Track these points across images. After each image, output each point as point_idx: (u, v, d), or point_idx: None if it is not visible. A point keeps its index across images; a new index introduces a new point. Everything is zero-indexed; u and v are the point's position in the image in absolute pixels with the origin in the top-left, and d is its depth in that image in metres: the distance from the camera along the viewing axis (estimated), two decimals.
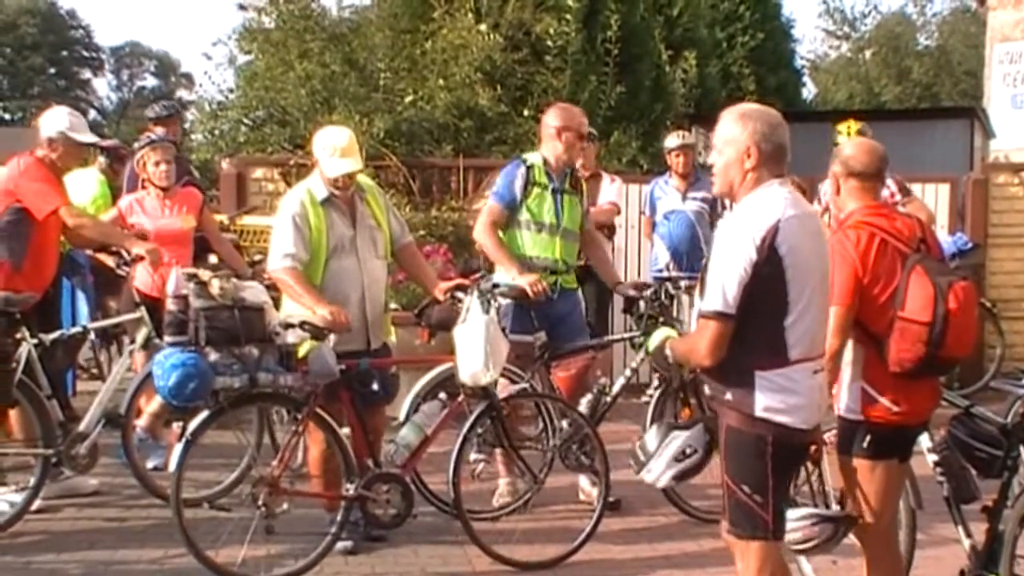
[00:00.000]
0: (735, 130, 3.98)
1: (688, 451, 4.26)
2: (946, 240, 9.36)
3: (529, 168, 6.66)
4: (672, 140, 9.64)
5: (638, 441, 4.40)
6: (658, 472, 4.31)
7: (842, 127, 8.78)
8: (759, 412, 3.86)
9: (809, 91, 34.06)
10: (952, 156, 13.81)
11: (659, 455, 4.28)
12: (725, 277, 3.81)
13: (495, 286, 6.08)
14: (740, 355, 3.86)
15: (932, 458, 4.72)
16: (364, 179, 6.17)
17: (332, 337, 5.53)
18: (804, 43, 43.64)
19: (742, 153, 3.95)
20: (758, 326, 3.84)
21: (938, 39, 39.90)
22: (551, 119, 6.77)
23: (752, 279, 3.79)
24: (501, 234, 6.67)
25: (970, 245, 9.96)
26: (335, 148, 5.77)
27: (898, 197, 8.69)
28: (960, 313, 4.22)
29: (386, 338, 6.08)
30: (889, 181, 8.56)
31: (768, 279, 3.80)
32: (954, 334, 4.22)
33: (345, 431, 5.64)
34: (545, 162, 6.70)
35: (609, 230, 9.26)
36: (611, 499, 6.69)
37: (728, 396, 3.94)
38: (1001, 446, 4.59)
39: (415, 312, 6.25)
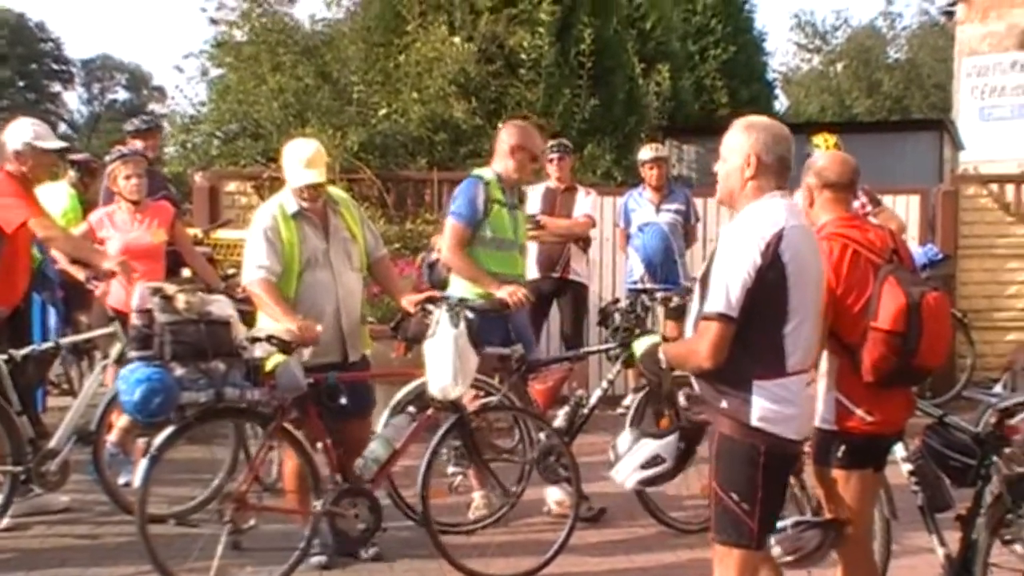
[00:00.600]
0: (739, 139, 4.04)
1: (657, 460, 4.27)
2: (917, 251, 9.41)
3: (486, 185, 6.64)
4: (646, 152, 9.66)
5: (612, 443, 4.42)
6: (625, 474, 4.34)
7: (819, 140, 8.82)
8: (755, 421, 3.87)
9: (781, 103, 34.23)
10: (922, 168, 13.89)
11: (628, 458, 4.30)
12: (729, 280, 3.83)
13: (461, 300, 6.07)
14: (739, 363, 3.87)
15: (906, 467, 4.73)
16: (338, 192, 6.16)
17: (307, 351, 5.50)
18: (776, 56, 43.94)
19: (743, 161, 4.00)
20: (758, 333, 3.86)
21: (908, 52, 40.19)
22: (507, 136, 6.75)
23: (755, 284, 3.82)
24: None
25: (941, 256, 10.04)
26: (300, 160, 5.77)
27: (869, 208, 8.75)
28: (933, 323, 4.25)
29: (364, 350, 6.05)
30: (859, 191, 8.62)
31: (771, 285, 3.83)
32: (927, 344, 4.25)
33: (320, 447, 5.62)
34: (499, 178, 6.69)
35: (584, 242, 9.28)
36: (592, 509, 6.69)
37: (724, 404, 3.95)
38: (974, 455, 4.61)
39: (391, 325, 6.24)
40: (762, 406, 3.87)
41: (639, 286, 9.23)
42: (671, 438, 4.30)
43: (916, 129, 16.53)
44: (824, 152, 5.70)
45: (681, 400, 6.46)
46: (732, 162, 4.05)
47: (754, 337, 3.86)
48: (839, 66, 40.04)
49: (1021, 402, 5.63)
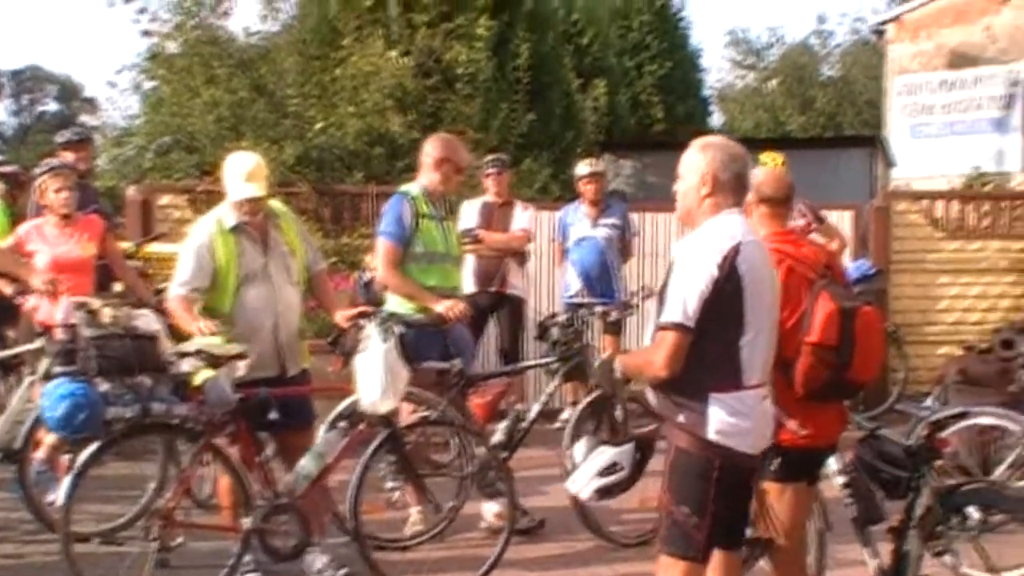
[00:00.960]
0: (696, 158, 4.10)
1: (615, 468, 4.27)
2: (850, 266, 9.51)
3: (413, 200, 6.63)
4: (582, 168, 9.67)
5: (567, 453, 4.43)
6: (581, 484, 4.32)
7: (766, 158, 8.66)
8: (711, 435, 3.90)
9: (716, 119, 34.58)
10: (855, 184, 14.08)
11: (584, 467, 4.29)
12: (686, 291, 3.86)
13: (392, 315, 6.05)
14: (696, 375, 3.89)
15: (840, 480, 4.77)
16: (278, 205, 6.11)
17: (242, 365, 5.45)
18: (711, 72, 44.18)
19: (700, 180, 4.05)
20: (715, 345, 3.89)
21: (840, 70, 40.68)
22: (431, 149, 6.72)
23: (712, 296, 3.85)
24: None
25: (873, 271, 10.12)
26: (240, 173, 5.72)
27: (814, 224, 8.82)
28: (866, 337, 4.30)
29: (304, 365, 6.00)
30: (802, 207, 8.67)
31: (727, 297, 3.87)
32: (860, 358, 4.30)
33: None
34: (425, 192, 6.68)
35: (522, 257, 9.29)
36: (533, 521, 6.69)
37: (681, 418, 3.96)
38: (906, 467, 4.65)
39: (329, 340, 6.20)
40: (719, 419, 3.90)
41: (576, 300, 9.23)
42: (628, 446, 4.31)
43: (849, 146, 16.80)
44: (762, 168, 5.71)
45: (618, 414, 6.49)
46: (689, 181, 4.10)
47: (710, 349, 3.89)
48: (773, 83, 40.48)
49: (952, 415, 5.74)
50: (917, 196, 11.85)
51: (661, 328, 3.91)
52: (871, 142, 16.19)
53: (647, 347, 4.08)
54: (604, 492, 4.33)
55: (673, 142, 18.40)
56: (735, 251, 3.89)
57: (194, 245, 5.70)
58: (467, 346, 6.84)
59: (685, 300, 3.86)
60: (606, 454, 4.28)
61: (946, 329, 11.02)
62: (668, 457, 4.03)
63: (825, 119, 37.17)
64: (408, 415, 6.13)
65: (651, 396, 4.14)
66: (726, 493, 3.96)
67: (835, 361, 4.27)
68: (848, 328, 4.28)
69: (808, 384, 4.28)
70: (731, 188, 4.06)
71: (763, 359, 4.01)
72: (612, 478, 4.28)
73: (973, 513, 4.61)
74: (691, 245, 3.99)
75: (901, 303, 11.04)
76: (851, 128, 35.07)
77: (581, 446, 4.37)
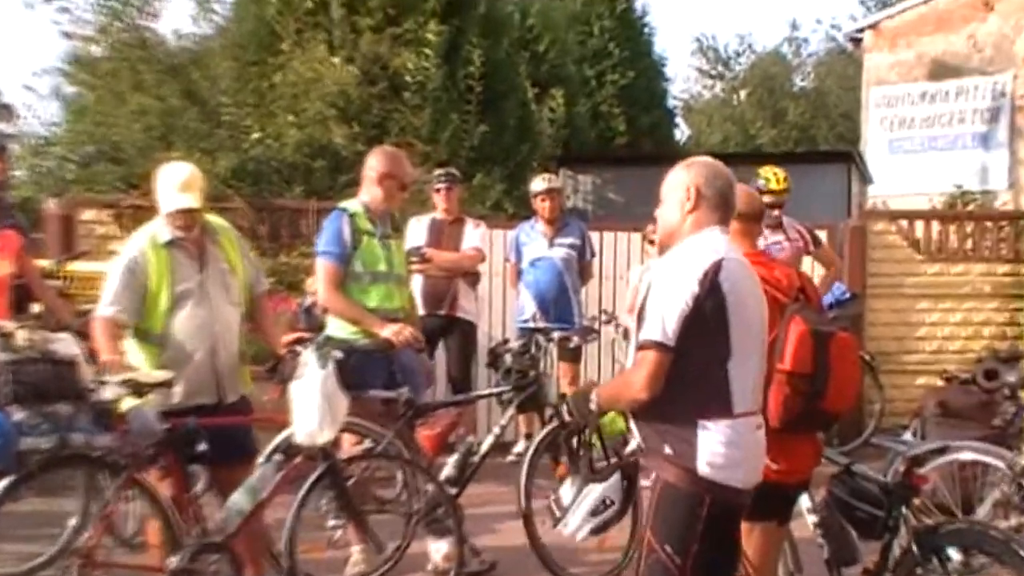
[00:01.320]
0: (679, 175, 4.15)
1: (607, 502, 4.30)
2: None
3: (352, 217, 6.65)
4: (538, 183, 9.70)
5: (552, 496, 4.49)
6: (575, 525, 4.37)
7: (767, 173, 8.65)
8: (702, 467, 3.88)
9: (682, 132, 34.81)
10: (829, 201, 14.15)
11: (575, 509, 4.33)
12: (665, 309, 3.87)
13: (329, 339, 6.05)
14: (683, 402, 3.90)
15: (812, 519, 4.82)
16: (218, 220, 6.07)
17: (179, 390, 5.42)
18: (677, 82, 44.34)
19: (684, 194, 4.10)
20: (700, 368, 3.90)
21: (814, 80, 41.06)
22: (374, 163, 6.77)
23: (694, 314, 3.86)
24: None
25: (848, 295, 10.17)
26: (174, 183, 5.70)
27: (812, 248, 8.87)
28: (841, 365, 4.36)
29: (244, 391, 5.97)
30: (800, 228, 8.74)
31: (710, 316, 3.88)
32: (835, 387, 4.35)
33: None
34: (366, 208, 6.71)
35: (473, 277, 9.31)
36: (484, 563, 6.68)
37: (668, 450, 3.94)
38: (882, 506, 4.71)
39: (266, 367, 6.18)
40: (709, 450, 3.88)
41: (531, 325, 9.25)
42: (615, 479, 4.34)
43: (823, 161, 16.88)
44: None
45: (577, 445, 6.50)
46: (672, 198, 4.14)
47: (697, 373, 3.90)
48: (743, 94, 40.79)
49: (931, 450, 5.79)
50: (895, 215, 11.94)
51: (640, 347, 3.92)
52: (846, 157, 16.31)
53: (626, 370, 4.12)
54: (599, 529, 4.38)
55: (636, 156, 18.59)
56: (716, 267, 3.91)
57: (123, 261, 5.66)
58: (416, 374, 6.85)
59: (664, 318, 3.87)
60: (596, 491, 4.32)
61: (925, 358, 11.10)
62: (653, 492, 4.01)
63: (798, 132, 37.49)
64: (350, 447, 6.14)
65: (634, 427, 4.13)
66: (715, 532, 3.95)
67: (809, 389, 4.31)
68: (822, 355, 4.33)
69: (781, 414, 4.32)
70: (715, 205, 4.09)
71: (754, 385, 4.02)
72: (605, 515, 4.34)
73: (954, 555, 4.68)
74: (671, 261, 4.02)
75: (877, 329, 11.12)
76: (825, 142, 35.38)
77: (567, 489, 4.42)
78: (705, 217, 4.08)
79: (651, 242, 8.64)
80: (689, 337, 3.86)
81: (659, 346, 3.86)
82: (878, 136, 20.55)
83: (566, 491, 4.42)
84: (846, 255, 11.01)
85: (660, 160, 4.33)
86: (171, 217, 5.70)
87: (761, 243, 7.46)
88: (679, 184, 4.13)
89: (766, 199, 7.88)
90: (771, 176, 8.63)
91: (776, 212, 8.32)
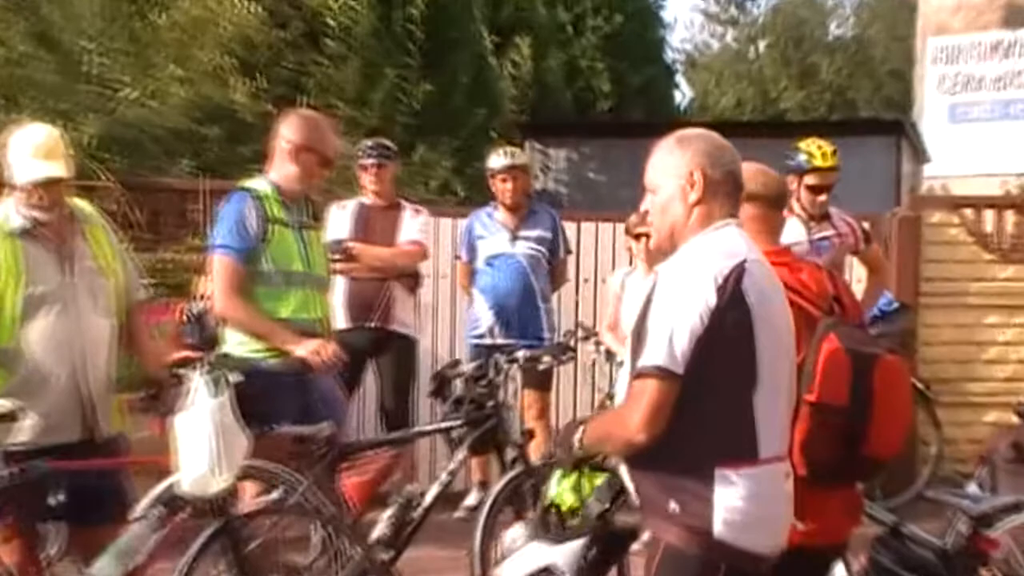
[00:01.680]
0: (672, 157, 4.11)
1: (555, 573, 4.31)
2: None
3: (259, 200, 6.65)
4: (498, 159, 9.70)
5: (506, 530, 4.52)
6: None
7: (811, 147, 8.42)
8: (717, 527, 3.87)
9: (684, 94, 34.94)
10: (872, 185, 14.24)
11: (511, 563, 4.33)
12: (674, 326, 3.83)
13: (225, 357, 6.05)
14: (695, 447, 3.87)
15: None
16: (85, 206, 6.05)
17: (31, 424, 5.41)
18: (677, 30, 44.68)
19: (684, 183, 4.05)
20: (720, 402, 3.88)
21: (854, 28, 41.29)
22: (287, 132, 6.78)
23: (710, 332, 3.83)
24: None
25: (895, 306, 10.15)
26: (30, 149, 5.64)
27: (862, 246, 8.87)
28: (887, 396, 4.38)
29: (118, 427, 5.95)
30: (850, 220, 8.71)
31: (731, 334, 3.86)
32: (880, 425, 4.37)
33: None
34: (277, 190, 6.72)
35: (412, 280, 9.29)
36: None
37: (672, 506, 3.92)
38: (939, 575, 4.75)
39: (143, 395, 6.17)
40: (727, 506, 3.87)
41: (487, 341, 9.27)
42: (574, 544, 4.34)
43: (864, 132, 16.95)
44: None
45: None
46: (668, 188, 4.10)
47: (714, 408, 3.88)
48: (761, 45, 40.98)
49: (1003, 506, 5.82)
50: (958, 204, 11.87)
51: (638, 376, 3.88)
52: (895, 128, 16.41)
53: (619, 405, 4.10)
54: None
55: (624, 125, 18.60)
56: (739, 272, 3.88)
57: None
58: (339, 404, 6.86)
59: (671, 337, 3.82)
60: (538, 553, 4.32)
61: (995, 387, 11.07)
62: (651, 560, 4.00)
63: (832, 95, 37.70)
64: (252, 499, 6.13)
65: (626, 475, 4.13)
66: None
67: (845, 428, 4.34)
68: (863, 383, 4.35)
69: (809, 460, 4.33)
70: (725, 191, 4.08)
71: (783, 423, 4.02)
72: None
73: None
74: (678, 266, 3.98)
75: (934, 350, 11.11)
76: (868, 109, 35.62)
77: (518, 531, 4.42)
78: (716, 208, 4.06)
79: (636, 237, 8.65)
80: (704, 361, 3.83)
81: (663, 373, 3.82)
82: (936, 101, 20.63)
83: (514, 534, 4.42)
84: (894, 255, 10.99)
85: (654, 130, 4.26)
86: (27, 194, 5.64)
87: (797, 237, 7.50)
88: (675, 169, 4.09)
89: (810, 180, 7.93)
90: (815, 150, 8.40)
91: (822, 197, 8.28)
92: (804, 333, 4.38)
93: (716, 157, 4.09)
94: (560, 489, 4.82)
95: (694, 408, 3.85)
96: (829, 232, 8.32)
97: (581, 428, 4.21)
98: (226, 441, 5.54)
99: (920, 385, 10.04)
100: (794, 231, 7.62)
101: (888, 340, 6.44)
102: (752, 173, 4.62)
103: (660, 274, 4.01)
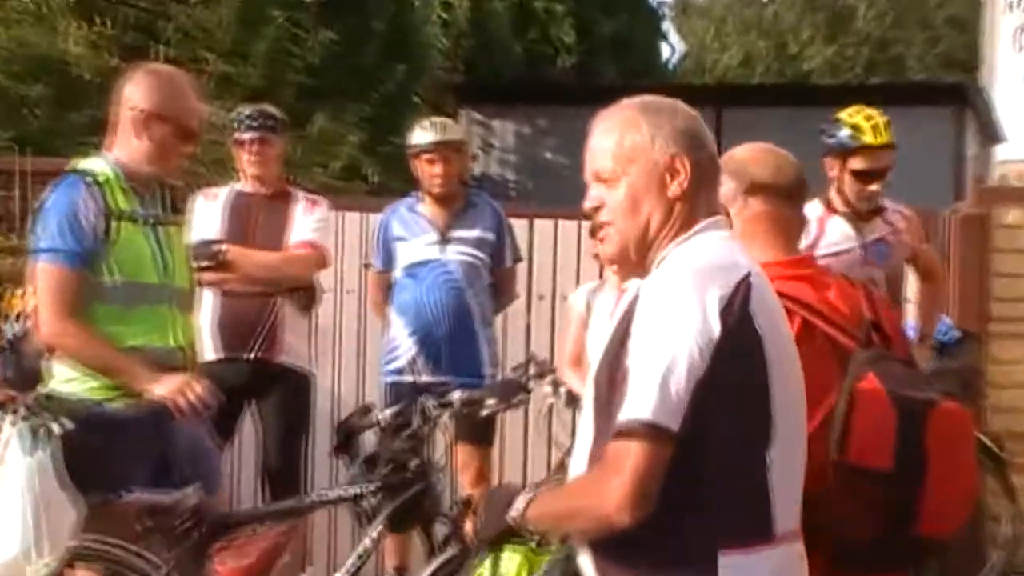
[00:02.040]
0: (638, 137, 3.96)
1: None
2: (913, 324, 9.55)
3: (98, 186, 6.64)
4: (423, 134, 9.71)
5: None
6: None
7: (857, 117, 8.30)
8: None
9: (673, 48, 35.05)
10: (926, 171, 14.34)
11: None
12: (666, 365, 3.70)
13: (49, 400, 6.06)
14: (692, 524, 3.82)
15: None
16: None
17: None
18: None
19: (664, 169, 3.93)
20: (726, 465, 3.81)
21: None
22: (136, 94, 6.77)
23: (714, 371, 3.71)
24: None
25: (955, 335, 10.19)
26: None
27: (924, 245, 8.90)
28: (945, 457, 4.42)
29: None
30: (907, 212, 8.73)
31: (741, 373, 3.77)
32: (934, 496, 4.41)
33: None
34: (123, 171, 6.72)
35: (307, 295, 9.28)
36: None
37: None
38: None
39: None
40: None
41: (408, 378, 9.28)
42: None
43: (915, 101, 17.06)
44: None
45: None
46: (635, 178, 3.97)
47: (719, 472, 3.82)
48: None
49: None
50: None
51: (618, 435, 3.75)
52: (957, 96, 16.54)
53: (586, 474, 3.97)
54: None
55: (591, 89, 18.66)
56: (745, 290, 3.77)
57: None
58: (210, 460, 6.87)
59: (662, 382, 3.70)
60: None
61: None
62: None
63: (872, 51, 37.93)
64: None
65: (587, 565, 4.06)
66: None
67: (888, 499, 4.38)
68: (913, 440, 4.38)
69: (838, 540, 4.38)
70: (709, 180, 4.00)
71: (799, 488, 3.99)
72: None
73: None
74: (666, 284, 3.85)
75: (1008, 395, 11.13)
76: (920, 70, 35.85)
77: None
78: (700, 205, 3.97)
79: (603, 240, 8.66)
80: (707, 412, 3.73)
81: (654, 431, 3.69)
82: (1011, 60, 20.78)
83: None
84: (954, 265, 11.03)
85: (633, 95, 4.13)
86: None
87: (846, 241, 7.57)
88: (644, 149, 3.95)
89: (857, 164, 7.97)
90: (863, 122, 8.36)
91: (875, 187, 8.24)
92: (833, 370, 4.41)
93: (698, 134, 3.99)
94: None
95: (692, 474, 3.76)
96: (885, 231, 8.33)
97: (526, 496, 4.09)
98: (47, 513, 5.56)
99: (988, 442, 10.09)
100: (841, 233, 7.69)
101: (946, 381, 6.51)
102: (758, 155, 4.67)
103: (642, 294, 3.89)
